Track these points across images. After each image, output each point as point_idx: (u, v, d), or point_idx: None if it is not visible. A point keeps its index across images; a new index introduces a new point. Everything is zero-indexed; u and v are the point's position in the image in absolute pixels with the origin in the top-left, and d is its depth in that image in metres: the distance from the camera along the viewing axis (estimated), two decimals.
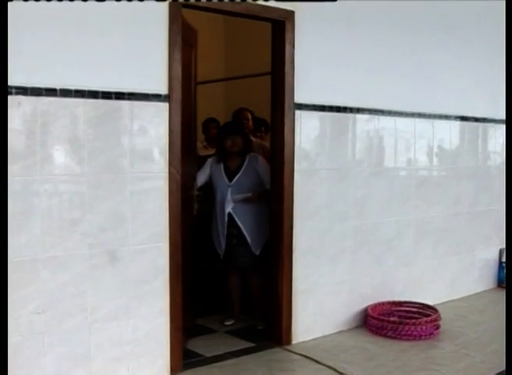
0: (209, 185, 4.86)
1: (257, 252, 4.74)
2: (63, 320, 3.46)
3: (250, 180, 4.75)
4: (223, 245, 4.79)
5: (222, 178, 4.77)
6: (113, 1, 3.44)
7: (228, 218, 4.72)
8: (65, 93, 3.35)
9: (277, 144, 4.44)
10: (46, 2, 3.22)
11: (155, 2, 3.63)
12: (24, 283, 3.31)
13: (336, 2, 4.45)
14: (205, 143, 5.95)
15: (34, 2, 3.18)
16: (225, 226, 4.74)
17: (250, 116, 5.43)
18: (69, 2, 3.30)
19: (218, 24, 7.00)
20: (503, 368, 4.01)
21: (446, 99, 5.49)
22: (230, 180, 4.74)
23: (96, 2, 3.39)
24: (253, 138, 5.37)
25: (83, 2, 3.34)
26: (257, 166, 4.77)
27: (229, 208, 4.70)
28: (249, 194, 4.69)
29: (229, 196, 4.70)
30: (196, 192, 4.60)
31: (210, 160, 4.90)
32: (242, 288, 4.99)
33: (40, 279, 3.36)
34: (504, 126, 6.04)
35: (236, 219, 4.71)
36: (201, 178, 4.80)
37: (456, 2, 5.36)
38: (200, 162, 4.91)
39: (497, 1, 5.52)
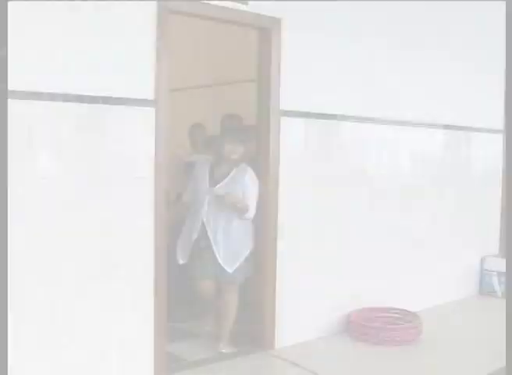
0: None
1: (231, 270, 4.31)
2: (46, 326, 3.44)
3: (233, 193, 4.30)
4: (187, 252, 4.41)
5: (204, 182, 4.40)
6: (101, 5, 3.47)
7: (200, 227, 4.34)
8: (52, 97, 3.34)
9: (262, 150, 4.46)
10: (33, 7, 3.23)
11: (144, 7, 3.65)
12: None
13: (322, 11, 4.50)
14: (191, 149, 5.95)
15: (20, 7, 3.18)
16: (197, 232, 4.35)
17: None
18: (57, 6, 3.32)
19: (201, 28, 6.97)
20: (485, 373, 4.08)
21: (430, 108, 5.54)
22: (211, 187, 4.38)
23: (84, 7, 3.41)
24: None
25: (70, 7, 3.36)
26: (242, 182, 4.33)
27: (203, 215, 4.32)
28: (224, 194, 4.24)
29: (205, 205, 4.32)
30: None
31: (198, 164, 4.57)
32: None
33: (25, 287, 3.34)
34: (488, 134, 6.16)
35: (208, 230, 4.31)
36: (189, 194, 4.55)
37: (443, 13, 5.44)
38: (187, 167, 4.91)
39: (483, 13, 5.63)
